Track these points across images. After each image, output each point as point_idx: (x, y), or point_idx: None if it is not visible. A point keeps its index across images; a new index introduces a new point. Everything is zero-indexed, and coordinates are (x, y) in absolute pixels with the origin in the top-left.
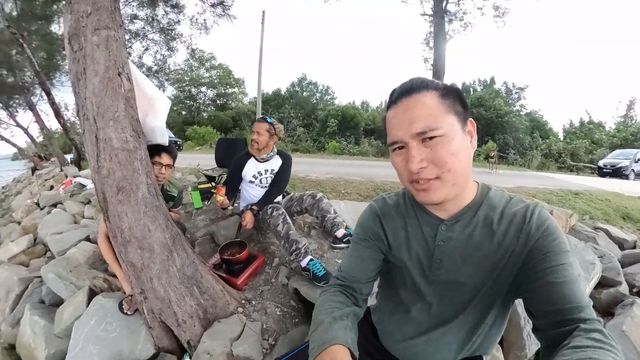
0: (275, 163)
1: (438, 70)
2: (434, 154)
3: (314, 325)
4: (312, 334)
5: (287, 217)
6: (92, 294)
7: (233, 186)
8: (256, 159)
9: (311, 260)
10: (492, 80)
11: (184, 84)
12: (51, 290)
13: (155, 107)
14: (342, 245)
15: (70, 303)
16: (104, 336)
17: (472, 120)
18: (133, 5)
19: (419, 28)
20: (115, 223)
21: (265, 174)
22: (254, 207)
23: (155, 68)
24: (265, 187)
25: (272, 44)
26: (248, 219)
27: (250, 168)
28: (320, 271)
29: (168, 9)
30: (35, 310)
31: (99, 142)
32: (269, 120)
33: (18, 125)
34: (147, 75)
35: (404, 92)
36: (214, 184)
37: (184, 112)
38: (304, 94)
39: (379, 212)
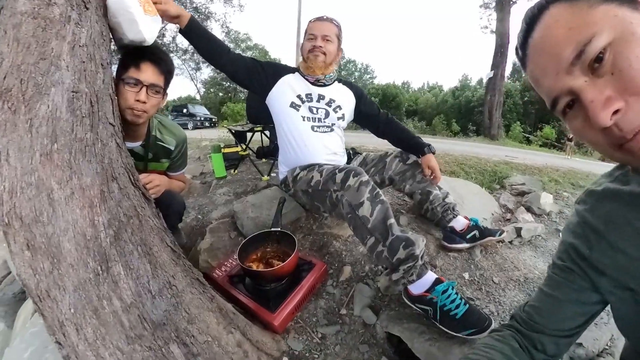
0: (341, 93)
1: (502, 36)
2: (620, 76)
3: None
4: None
5: (380, 191)
6: None
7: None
8: (304, 77)
9: (438, 282)
10: None
11: None
12: None
13: None
14: (465, 244)
15: (25, 308)
16: None
17: None
18: None
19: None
20: None
21: (321, 102)
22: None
23: (190, 49)
24: (325, 128)
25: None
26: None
27: (297, 83)
28: (459, 307)
29: None
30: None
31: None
32: (335, 21)
33: None
34: (183, 59)
35: (529, 24)
36: (243, 146)
37: (220, 94)
38: (342, 72)
39: (588, 216)
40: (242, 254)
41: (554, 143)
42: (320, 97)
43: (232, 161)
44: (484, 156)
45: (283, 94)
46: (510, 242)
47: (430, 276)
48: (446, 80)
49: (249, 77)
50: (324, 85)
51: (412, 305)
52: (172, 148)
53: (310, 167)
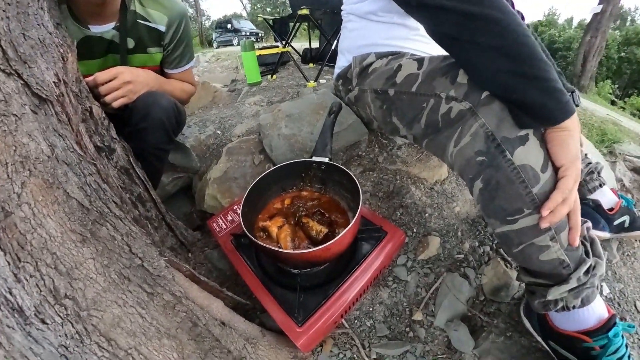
0: None
1: None
2: None
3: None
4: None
5: None
6: None
7: None
8: None
9: (612, 321)
10: None
11: None
12: None
13: None
14: (607, 234)
15: None
16: None
17: None
18: None
19: None
20: None
21: None
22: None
23: None
24: None
25: None
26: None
27: None
28: None
29: None
30: None
31: None
32: None
33: None
34: None
35: None
36: (284, 42)
37: (268, 9)
38: None
39: None
40: (251, 205)
41: None
42: None
43: (269, 66)
44: (585, 107)
45: None
46: None
47: (600, 306)
48: (528, 11)
49: None
50: None
51: (541, 341)
52: (163, 29)
53: (396, 54)
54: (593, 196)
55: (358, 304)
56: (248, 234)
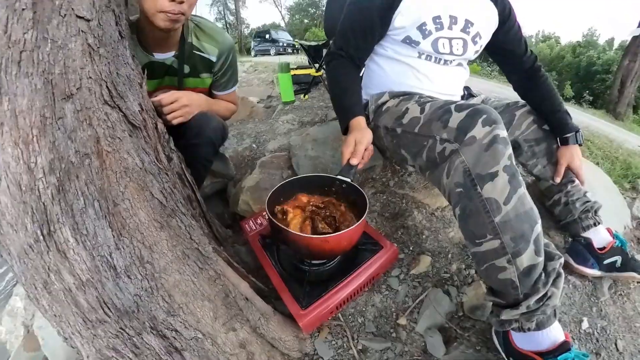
0: (480, 6)
1: None
2: None
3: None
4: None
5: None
6: None
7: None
8: None
9: (565, 347)
10: None
11: None
12: None
13: None
14: (597, 271)
15: None
16: None
17: None
18: None
19: None
20: None
21: (454, 28)
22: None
23: None
24: (453, 62)
25: None
26: (577, 165)
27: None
28: None
29: None
30: None
31: None
32: None
33: None
34: None
35: None
36: (317, 66)
37: (306, 20)
38: None
39: None
40: (275, 199)
41: None
42: (453, 20)
43: (303, 85)
44: (613, 138)
45: (406, 16)
46: None
47: (556, 331)
48: (566, 32)
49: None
50: None
51: (504, 357)
52: (214, 59)
53: (406, 96)
54: (586, 234)
55: (353, 303)
56: (272, 218)
